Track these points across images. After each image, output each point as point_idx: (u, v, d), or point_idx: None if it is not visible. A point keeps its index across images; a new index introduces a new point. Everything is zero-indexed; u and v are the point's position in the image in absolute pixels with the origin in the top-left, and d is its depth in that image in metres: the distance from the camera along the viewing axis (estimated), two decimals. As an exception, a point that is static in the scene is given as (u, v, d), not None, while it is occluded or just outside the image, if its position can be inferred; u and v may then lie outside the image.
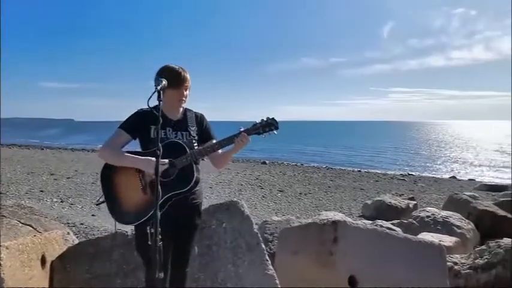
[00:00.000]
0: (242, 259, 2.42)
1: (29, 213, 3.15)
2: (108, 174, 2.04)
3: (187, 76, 2.03)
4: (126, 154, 1.98)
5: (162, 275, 1.47)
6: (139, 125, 2.02)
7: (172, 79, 1.93)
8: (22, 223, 2.73)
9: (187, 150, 1.95)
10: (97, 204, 2.09)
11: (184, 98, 2.04)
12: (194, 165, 1.98)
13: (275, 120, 1.98)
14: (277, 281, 2.39)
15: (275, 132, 1.97)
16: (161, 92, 1.93)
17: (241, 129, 1.97)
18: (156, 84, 1.81)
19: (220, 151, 2.06)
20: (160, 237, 1.46)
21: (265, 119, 1.98)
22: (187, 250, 2.11)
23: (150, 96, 1.78)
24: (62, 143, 35.88)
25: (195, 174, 1.98)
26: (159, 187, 1.54)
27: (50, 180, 10.29)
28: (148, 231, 1.45)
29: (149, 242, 1.44)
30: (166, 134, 2.03)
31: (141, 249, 1.97)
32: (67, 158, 18.14)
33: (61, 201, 7.62)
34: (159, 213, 1.48)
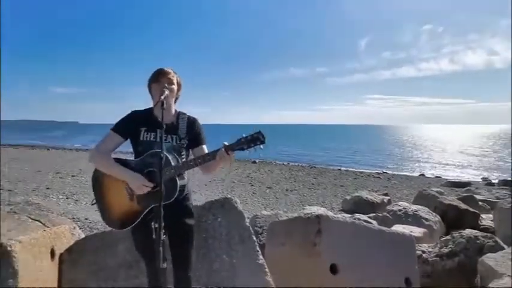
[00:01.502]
0: (235, 250, 2.45)
1: (37, 209, 3.10)
2: (99, 177, 1.93)
3: (170, 71, 1.90)
4: (115, 164, 1.86)
5: (165, 265, 1.47)
6: (130, 126, 1.91)
7: (153, 75, 1.90)
8: (32, 219, 2.69)
9: (172, 163, 1.79)
10: (92, 204, 1.99)
11: (166, 92, 1.79)
12: (177, 177, 1.81)
13: (261, 134, 1.65)
14: (267, 270, 2.43)
15: (261, 147, 1.65)
16: (149, 89, 1.92)
17: (225, 144, 1.69)
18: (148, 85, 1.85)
19: None
20: (163, 231, 1.47)
21: (250, 134, 1.67)
22: (185, 250, 1.93)
23: (155, 104, 1.78)
24: (67, 144, 35.17)
25: (178, 186, 1.81)
26: (163, 189, 1.52)
27: (56, 179, 10.12)
28: (152, 226, 1.46)
29: (153, 236, 1.44)
30: (156, 136, 1.88)
31: (141, 247, 1.90)
32: (72, 157, 17.84)
33: (66, 198, 7.49)
34: (162, 210, 1.48)
